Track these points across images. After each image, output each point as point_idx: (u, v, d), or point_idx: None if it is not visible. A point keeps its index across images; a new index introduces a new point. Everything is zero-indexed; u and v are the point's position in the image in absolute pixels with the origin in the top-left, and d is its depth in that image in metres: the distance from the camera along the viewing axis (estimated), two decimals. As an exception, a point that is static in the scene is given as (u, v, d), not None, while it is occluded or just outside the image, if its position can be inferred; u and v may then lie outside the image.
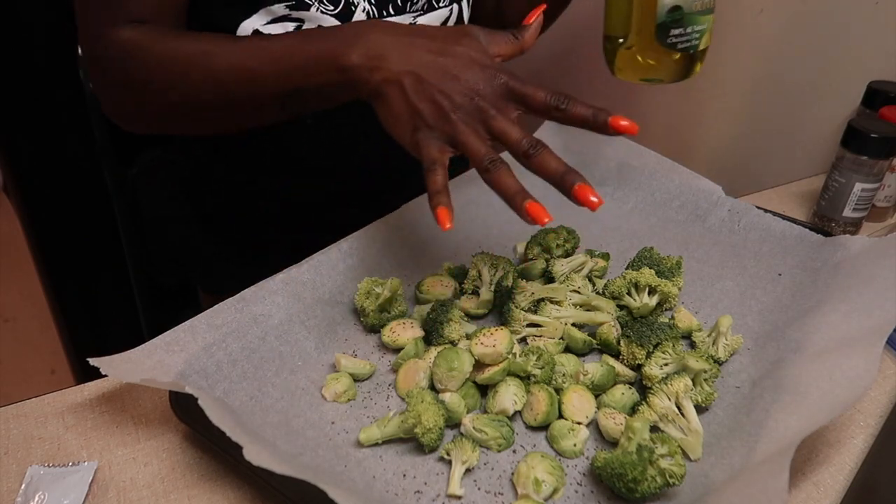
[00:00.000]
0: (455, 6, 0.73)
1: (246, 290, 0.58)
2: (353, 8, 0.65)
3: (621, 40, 0.64)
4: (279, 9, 0.62)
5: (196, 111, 0.57)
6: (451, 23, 0.74)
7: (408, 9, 0.69)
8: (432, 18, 0.72)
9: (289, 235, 0.80)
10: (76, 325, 1.21)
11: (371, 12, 0.67)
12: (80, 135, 1.07)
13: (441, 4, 0.72)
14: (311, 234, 0.78)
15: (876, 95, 0.84)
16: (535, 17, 0.56)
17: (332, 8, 0.64)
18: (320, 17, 0.64)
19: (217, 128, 0.64)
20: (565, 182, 0.48)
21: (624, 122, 0.49)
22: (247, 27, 0.62)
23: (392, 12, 0.68)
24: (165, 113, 0.58)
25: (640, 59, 0.64)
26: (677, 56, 0.62)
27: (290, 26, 0.64)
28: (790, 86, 0.93)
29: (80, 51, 0.93)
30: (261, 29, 0.63)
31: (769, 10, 0.90)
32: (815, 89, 0.92)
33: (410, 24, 0.68)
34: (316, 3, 0.63)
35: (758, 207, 0.74)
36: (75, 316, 1.21)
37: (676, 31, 0.62)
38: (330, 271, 0.63)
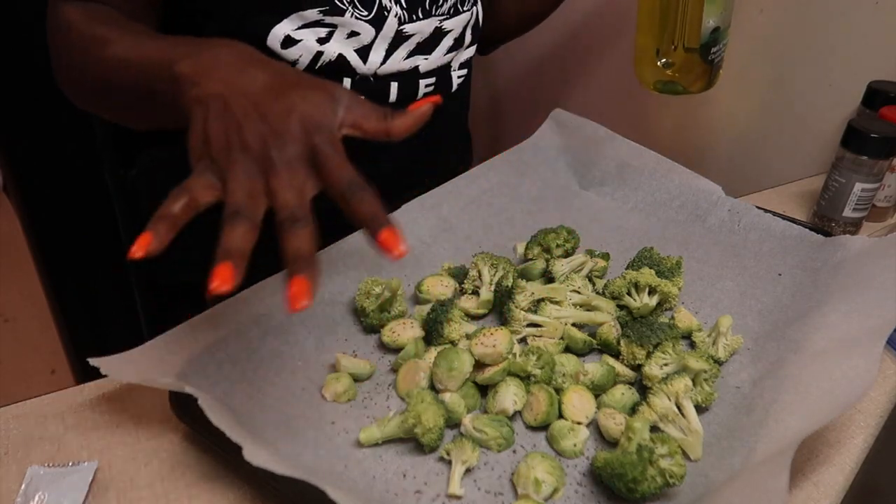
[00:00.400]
0: (474, 9, 0.75)
1: (246, 290, 0.58)
2: (386, 13, 0.66)
3: (658, 52, 0.70)
4: (312, 14, 0.62)
5: (97, 95, 0.58)
6: (470, 27, 0.76)
7: (433, 12, 0.70)
8: (457, 22, 0.73)
9: None
10: (76, 325, 1.21)
11: (402, 17, 0.68)
12: (80, 135, 1.07)
13: (465, 8, 0.73)
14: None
15: (876, 95, 0.84)
16: (419, 107, 0.48)
17: (365, 13, 0.64)
18: (354, 23, 0.64)
19: (121, 118, 0.63)
20: (294, 265, 0.41)
21: (398, 245, 0.42)
22: (278, 33, 0.63)
23: (420, 16, 0.69)
24: (84, 93, 0.59)
25: (675, 73, 0.70)
26: (710, 69, 0.69)
27: (322, 32, 0.64)
28: (790, 86, 0.93)
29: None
30: (292, 34, 0.63)
31: (769, 10, 0.90)
32: (815, 89, 0.91)
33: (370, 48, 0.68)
34: (350, 9, 0.63)
35: (758, 207, 0.74)
36: (75, 316, 1.21)
37: (715, 49, 0.67)
38: (330, 271, 0.63)
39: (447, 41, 0.73)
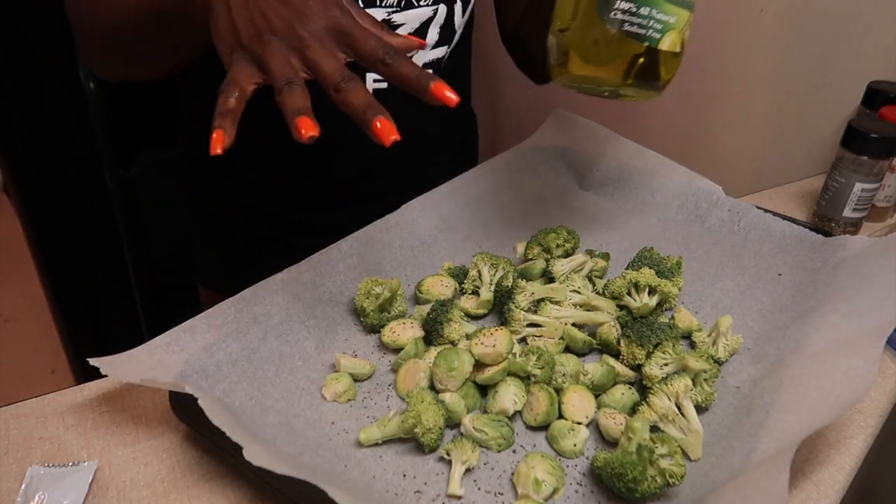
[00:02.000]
0: (442, 7, 0.70)
1: (246, 290, 0.58)
2: None
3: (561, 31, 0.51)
4: None
5: (118, 42, 0.60)
6: (435, 25, 0.71)
7: (378, 3, 0.67)
8: (410, 17, 0.69)
9: (288, 235, 0.81)
10: (76, 325, 1.21)
11: None
12: (80, 135, 1.08)
13: (422, 3, 0.69)
14: (311, 233, 0.78)
15: (876, 95, 0.84)
16: (412, 40, 0.52)
17: None
18: None
19: (147, 59, 0.64)
20: (372, 113, 0.45)
21: (448, 93, 0.46)
22: None
23: (362, 5, 0.66)
24: (105, 45, 0.61)
25: (580, 50, 0.50)
26: (622, 45, 0.48)
27: None
28: (790, 86, 0.93)
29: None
30: None
31: (769, 10, 0.90)
32: (815, 89, 0.91)
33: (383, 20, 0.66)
34: None
35: (758, 207, 0.74)
36: (75, 316, 1.21)
37: (624, 6, 0.47)
38: (330, 271, 0.63)
39: None
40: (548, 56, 0.53)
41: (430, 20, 0.71)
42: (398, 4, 0.68)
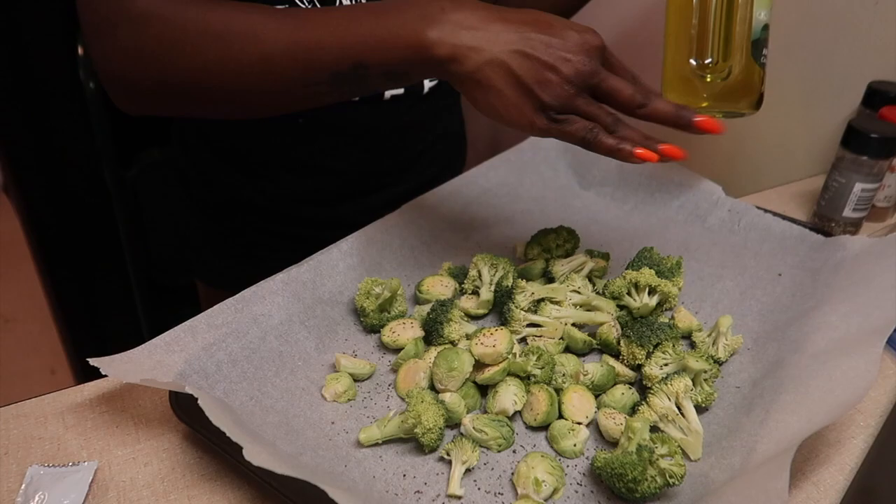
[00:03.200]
0: None
1: (246, 290, 0.58)
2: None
3: (708, 64, 0.56)
4: None
5: (231, 90, 0.51)
6: None
7: None
8: None
9: (288, 228, 0.81)
10: (76, 325, 1.21)
11: None
12: (80, 135, 1.07)
13: None
14: (311, 231, 0.78)
15: (876, 95, 0.84)
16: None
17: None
18: None
19: (246, 111, 0.57)
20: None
21: (708, 124, 0.50)
22: None
23: None
24: (186, 90, 0.52)
25: (734, 86, 0.56)
26: (761, 77, 0.57)
27: None
28: (790, 86, 0.93)
29: (79, 49, 0.93)
30: None
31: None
32: (815, 89, 0.91)
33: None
34: (308, 7, 0.62)
35: (758, 207, 0.74)
36: (75, 316, 1.21)
37: (766, 51, 0.56)
38: (330, 271, 0.63)
39: None
40: (683, 91, 0.58)
41: None
42: None
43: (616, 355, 0.58)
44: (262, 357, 0.55)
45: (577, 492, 0.48)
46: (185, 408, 0.49)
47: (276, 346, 0.57)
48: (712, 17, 0.54)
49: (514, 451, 0.51)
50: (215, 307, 0.56)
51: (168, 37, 0.49)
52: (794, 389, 0.50)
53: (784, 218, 0.72)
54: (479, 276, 0.65)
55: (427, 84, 0.75)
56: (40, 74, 1.04)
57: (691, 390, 0.52)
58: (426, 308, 0.61)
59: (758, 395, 0.53)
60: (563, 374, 0.55)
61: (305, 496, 0.43)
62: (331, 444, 0.50)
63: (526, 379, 0.55)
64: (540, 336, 0.59)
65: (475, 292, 0.65)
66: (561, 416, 0.53)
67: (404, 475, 0.48)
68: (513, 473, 0.49)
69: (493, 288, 0.63)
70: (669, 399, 0.51)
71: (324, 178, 0.78)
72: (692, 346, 0.60)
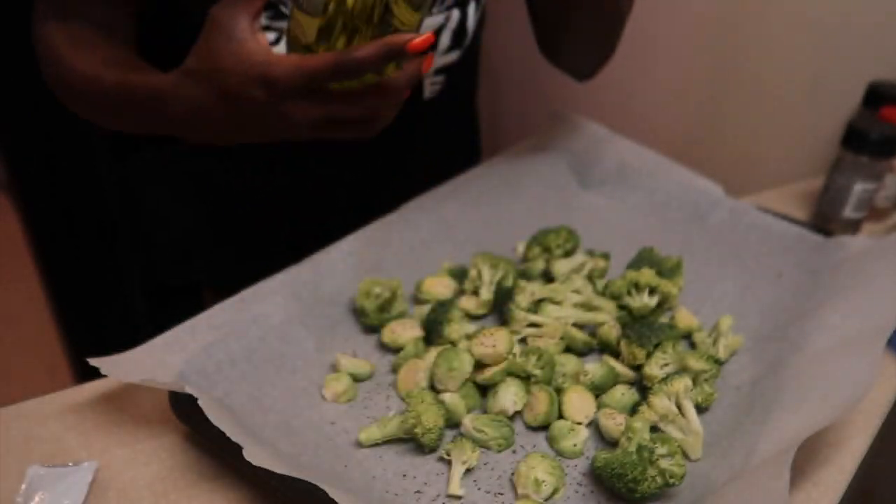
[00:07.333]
0: (455, 12, 0.70)
1: (246, 290, 0.58)
2: None
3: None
4: (261, 20, 0.57)
5: (91, 114, 0.63)
6: (447, 31, 0.71)
7: None
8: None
9: (289, 229, 0.80)
10: (76, 325, 1.21)
11: None
12: (79, 135, 1.08)
13: (434, 11, 0.68)
14: (311, 231, 0.78)
15: (876, 95, 0.84)
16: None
17: None
18: None
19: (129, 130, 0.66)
20: (393, 51, 0.48)
21: (422, 43, 0.50)
22: None
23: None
24: (78, 110, 0.63)
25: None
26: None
27: (271, 36, 0.62)
28: (790, 86, 0.93)
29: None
30: None
31: (769, 10, 0.90)
32: (815, 89, 0.91)
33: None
34: None
35: (758, 207, 0.74)
36: (75, 316, 1.21)
37: None
38: (330, 271, 0.63)
39: None
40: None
41: (442, 27, 0.71)
42: None
43: (616, 355, 0.58)
44: (261, 357, 0.55)
45: (577, 492, 0.48)
46: (184, 408, 0.49)
47: (276, 347, 0.57)
48: None
49: (514, 452, 0.51)
50: (215, 307, 0.56)
51: (56, 75, 0.62)
52: (795, 389, 0.50)
53: (784, 218, 0.72)
54: (480, 276, 0.65)
55: (427, 89, 0.76)
56: (40, 75, 1.04)
57: (691, 390, 0.52)
58: (426, 308, 0.61)
59: (758, 395, 0.53)
60: (563, 375, 0.55)
61: (305, 496, 0.43)
62: (331, 445, 0.50)
63: (526, 379, 0.55)
64: (540, 336, 0.59)
65: (475, 292, 0.65)
66: (561, 417, 0.53)
67: (404, 475, 0.48)
68: (513, 473, 0.49)
69: (493, 288, 0.63)
70: (669, 399, 0.51)
71: (324, 178, 0.78)
72: (692, 346, 0.60)
